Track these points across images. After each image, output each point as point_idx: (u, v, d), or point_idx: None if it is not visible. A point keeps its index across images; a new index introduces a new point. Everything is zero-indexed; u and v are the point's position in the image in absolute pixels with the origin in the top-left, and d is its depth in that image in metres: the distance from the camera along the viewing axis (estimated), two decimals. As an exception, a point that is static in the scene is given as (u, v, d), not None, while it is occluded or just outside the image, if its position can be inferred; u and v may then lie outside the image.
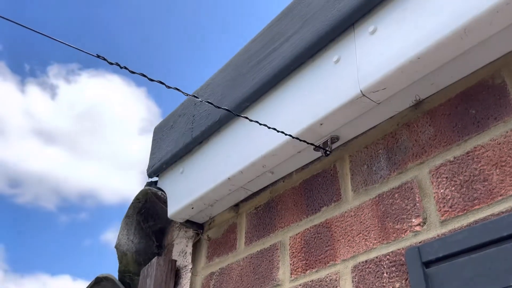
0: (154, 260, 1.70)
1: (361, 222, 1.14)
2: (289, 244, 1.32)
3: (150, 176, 1.90)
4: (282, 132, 1.19)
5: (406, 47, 1.00)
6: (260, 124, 1.16)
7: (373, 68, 1.06)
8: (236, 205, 1.61)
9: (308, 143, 1.23)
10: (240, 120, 1.43)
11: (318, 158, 1.35)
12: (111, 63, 0.89)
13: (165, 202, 1.76)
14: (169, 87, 0.98)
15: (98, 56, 0.88)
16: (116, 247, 1.89)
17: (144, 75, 0.95)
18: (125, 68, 0.91)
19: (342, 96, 1.12)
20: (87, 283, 2.07)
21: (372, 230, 1.10)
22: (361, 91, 1.07)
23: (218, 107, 1.14)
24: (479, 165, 0.94)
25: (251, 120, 1.16)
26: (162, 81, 0.98)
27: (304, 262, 1.25)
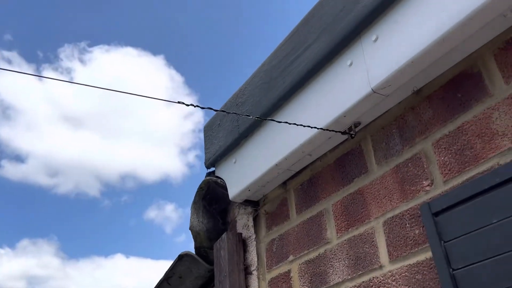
0: (224, 235, 2.11)
1: (386, 187, 1.47)
2: (332, 210, 1.68)
3: (207, 167, 2.29)
4: (315, 127, 1.53)
5: (402, 52, 1.30)
6: (297, 125, 1.50)
7: (379, 70, 1.36)
8: (284, 183, 1.97)
9: (336, 131, 1.57)
10: (278, 118, 1.77)
11: (346, 140, 1.68)
12: (188, 105, 1.24)
13: (224, 187, 2.14)
14: (203, 108, 1.32)
15: (179, 102, 1.22)
16: (190, 228, 2.31)
17: (210, 108, 1.30)
18: (198, 106, 1.25)
19: (357, 94, 1.43)
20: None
21: (394, 193, 1.44)
22: (372, 89, 1.38)
23: (259, 118, 1.48)
24: (467, 137, 1.26)
25: (289, 123, 1.50)
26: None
27: (346, 222, 1.61)
